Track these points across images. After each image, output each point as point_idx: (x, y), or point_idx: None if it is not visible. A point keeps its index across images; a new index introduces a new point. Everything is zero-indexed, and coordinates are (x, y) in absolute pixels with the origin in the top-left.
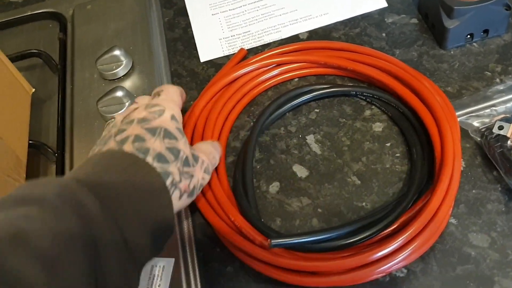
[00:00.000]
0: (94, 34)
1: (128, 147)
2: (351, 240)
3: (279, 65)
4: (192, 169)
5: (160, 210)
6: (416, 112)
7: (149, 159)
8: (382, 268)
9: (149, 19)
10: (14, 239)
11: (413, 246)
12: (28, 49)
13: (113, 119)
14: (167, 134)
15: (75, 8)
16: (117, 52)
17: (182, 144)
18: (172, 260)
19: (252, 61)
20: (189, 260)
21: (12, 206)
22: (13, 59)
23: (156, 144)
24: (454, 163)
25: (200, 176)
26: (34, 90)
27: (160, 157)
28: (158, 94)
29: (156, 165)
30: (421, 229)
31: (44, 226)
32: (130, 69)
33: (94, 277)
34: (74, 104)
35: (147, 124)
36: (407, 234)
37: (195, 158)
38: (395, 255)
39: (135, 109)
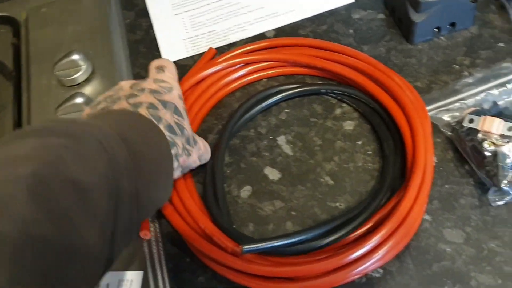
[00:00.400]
0: (51, 38)
1: (143, 111)
2: (326, 241)
3: (246, 64)
4: (191, 148)
5: (164, 175)
6: (386, 108)
7: (161, 127)
8: (358, 269)
9: (109, 22)
10: (52, 164)
11: (388, 246)
12: None
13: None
14: (176, 111)
15: (29, 11)
16: (75, 57)
17: (186, 123)
18: (141, 273)
19: (218, 60)
20: (158, 272)
21: (49, 135)
22: None
23: (167, 116)
24: (426, 159)
25: (195, 158)
26: None
27: (170, 128)
28: (162, 69)
29: (166, 134)
30: (396, 228)
31: (81, 161)
32: (90, 74)
33: (113, 219)
34: (31, 112)
35: (159, 96)
36: (381, 233)
37: (195, 141)
38: (370, 255)
39: (143, 80)
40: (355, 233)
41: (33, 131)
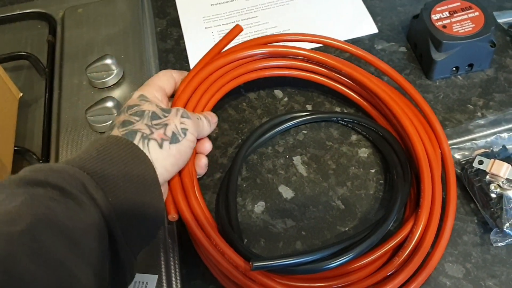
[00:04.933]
0: (85, 39)
1: (115, 132)
2: (333, 264)
3: (273, 57)
4: (163, 119)
5: (152, 201)
6: (400, 138)
7: (115, 131)
8: None
9: (142, 28)
10: (46, 217)
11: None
12: (15, 49)
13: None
14: (129, 108)
15: (66, 10)
16: (108, 61)
17: (146, 105)
18: (156, 277)
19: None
20: (173, 277)
21: (32, 186)
22: (0, 60)
23: (120, 117)
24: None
25: (177, 122)
26: (21, 94)
27: (123, 124)
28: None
29: (121, 131)
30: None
31: (69, 212)
32: (120, 79)
33: (103, 259)
34: (61, 110)
35: (126, 110)
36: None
37: (166, 110)
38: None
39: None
40: (361, 261)
41: (19, 181)
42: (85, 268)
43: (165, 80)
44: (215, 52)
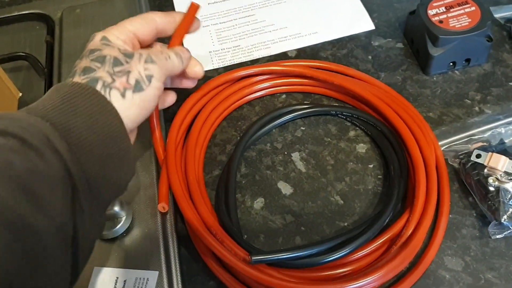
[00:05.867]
0: (83, 39)
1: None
2: (330, 258)
3: (268, 78)
4: (126, 66)
5: (120, 153)
6: (398, 132)
7: (77, 78)
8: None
9: None
10: (4, 170)
11: (387, 268)
12: (13, 50)
13: None
14: (90, 52)
15: (64, 11)
16: None
17: (107, 50)
18: (156, 273)
19: (242, 72)
20: (173, 273)
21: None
22: None
23: (82, 63)
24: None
25: (141, 68)
26: (21, 94)
27: (84, 71)
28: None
29: (82, 78)
30: (398, 252)
31: (29, 163)
32: None
33: (72, 217)
34: None
35: (88, 55)
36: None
37: (128, 55)
38: (370, 275)
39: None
40: (359, 252)
41: None
42: (47, 222)
43: (138, 24)
44: (182, 34)
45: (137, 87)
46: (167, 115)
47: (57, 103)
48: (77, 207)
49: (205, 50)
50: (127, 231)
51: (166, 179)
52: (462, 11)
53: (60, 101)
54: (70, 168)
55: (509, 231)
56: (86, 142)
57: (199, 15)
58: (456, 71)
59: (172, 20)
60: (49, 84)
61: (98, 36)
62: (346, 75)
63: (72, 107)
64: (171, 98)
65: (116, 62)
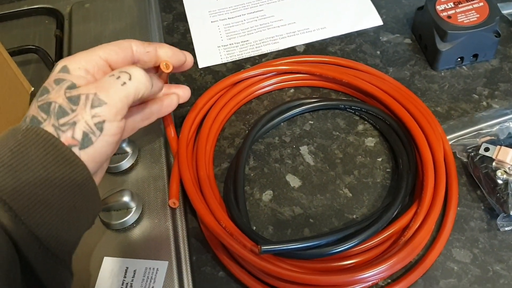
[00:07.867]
0: (92, 33)
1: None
2: (339, 249)
3: (277, 74)
4: (71, 116)
5: (89, 204)
6: (406, 126)
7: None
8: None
9: (149, 22)
10: None
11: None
12: (23, 44)
13: None
14: (41, 93)
15: (73, 5)
16: None
17: (54, 94)
18: (166, 263)
19: (251, 72)
20: (183, 264)
21: None
22: (9, 54)
23: (32, 108)
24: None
25: (87, 117)
26: (33, 89)
27: (32, 121)
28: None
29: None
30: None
31: None
32: None
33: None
34: None
35: (39, 96)
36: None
37: (73, 101)
38: (376, 266)
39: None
40: (367, 244)
41: None
42: None
43: (112, 51)
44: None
45: (85, 142)
46: (179, 113)
47: (5, 159)
48: (31, 280)
49: (214, 45)
50: (137, 221)
51: (177, 175)
52: (470, 7)
53: (10, 155)
54: (17, 242)
55: None
56: (41, 200)
57: (208, 10)
58: (463, 67)
59: (151, 50)
60: None
61: (60, 64)
62: (355, 69)
63: (23, 160)
64: (176, 98)
65: (60, 112)
